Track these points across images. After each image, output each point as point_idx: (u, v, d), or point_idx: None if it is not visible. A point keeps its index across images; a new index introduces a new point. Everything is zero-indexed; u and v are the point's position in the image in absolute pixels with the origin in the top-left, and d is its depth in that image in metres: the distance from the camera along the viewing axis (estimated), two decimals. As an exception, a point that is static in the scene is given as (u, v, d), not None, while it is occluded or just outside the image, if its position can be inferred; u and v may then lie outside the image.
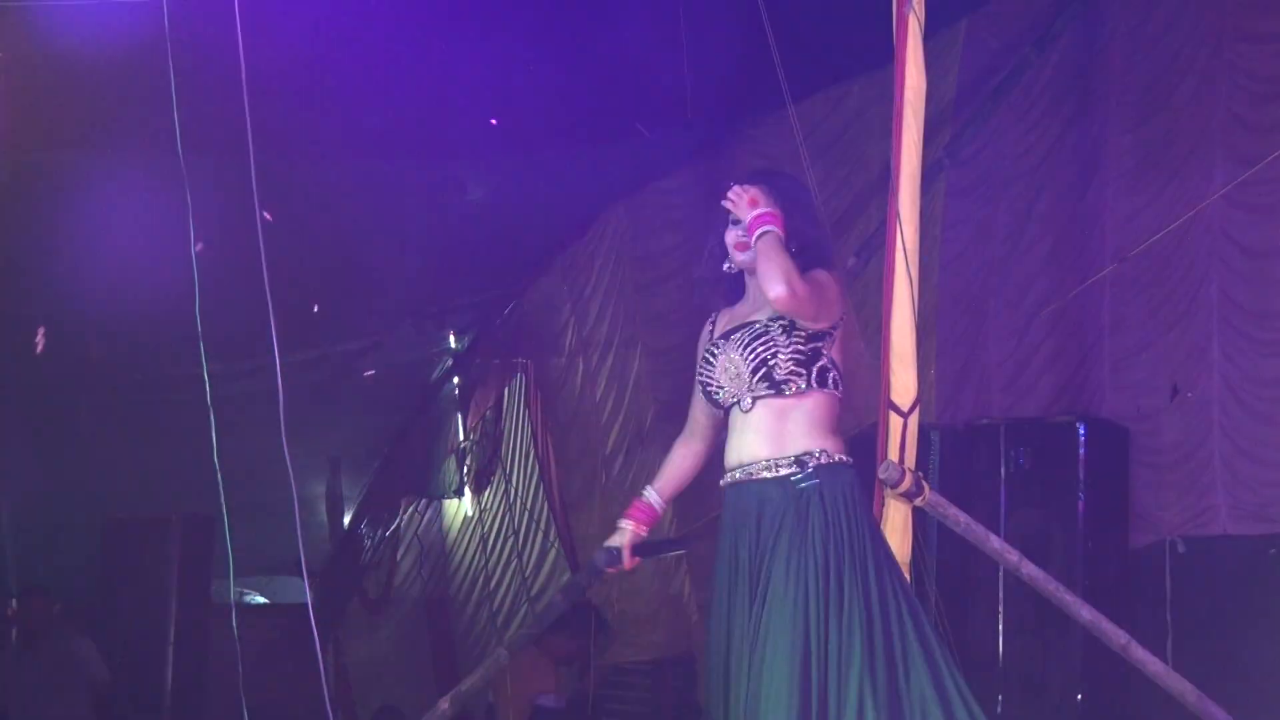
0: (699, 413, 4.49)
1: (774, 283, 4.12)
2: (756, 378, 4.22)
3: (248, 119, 5.20)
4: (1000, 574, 6.62)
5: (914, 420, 5.82)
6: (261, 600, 11.76)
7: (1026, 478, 6.87)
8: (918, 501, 5.82)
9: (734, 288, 4.47)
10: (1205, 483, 6.75)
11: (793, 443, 4.21)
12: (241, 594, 11.21)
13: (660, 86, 6.75)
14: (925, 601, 6.69)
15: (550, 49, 6.66)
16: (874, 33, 5.99)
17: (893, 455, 5.77)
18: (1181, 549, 6.83)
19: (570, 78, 6.74)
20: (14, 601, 9.04)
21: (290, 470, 5.59)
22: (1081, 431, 6.81)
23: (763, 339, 4.30)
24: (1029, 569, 6.22)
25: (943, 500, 6.03)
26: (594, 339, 9.27)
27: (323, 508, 11.30)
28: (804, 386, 4.22)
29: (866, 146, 7.31)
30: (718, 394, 4.31)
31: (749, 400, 4.23)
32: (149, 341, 7.66)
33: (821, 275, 4.33)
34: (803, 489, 4.17)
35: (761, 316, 4.31)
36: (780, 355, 4.28)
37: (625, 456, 9.33)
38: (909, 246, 5.80)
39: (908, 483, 5.75)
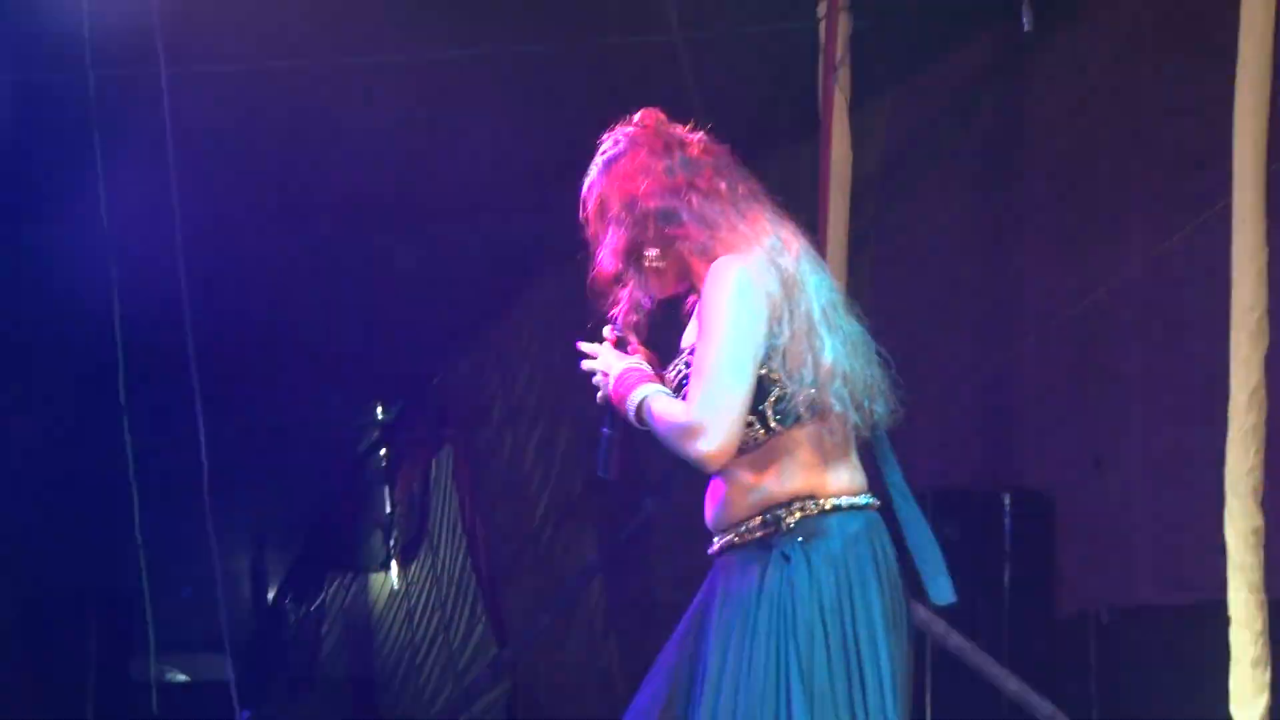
0: None
1: (686, 456, 3.12)
2: None
3: (173, 185, 5.20)
4: (928, 644, 6.62)
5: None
6: (183, 678, 11.61)
7: (953, 548, 6.85)
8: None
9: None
10: (1128, 552, 6.80)
11: (758, 500, 3.25)
12: (162, 672, 11.06)
13: (590, 154, 6.78)
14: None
15: (482, 117, 6.69)
16: (801, 105, 6.08)
17: (820, 524, 5.80)
18: (1106, 619, 6.86)
19: (499, 146, 6.77)
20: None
21: (213, 544, 5.55)
22: (1007, 502, 6.85)
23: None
24: (956, 639, 6.25)
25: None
26: (523, 410, 9.26)
27: (247, 583, 11.19)
28: (761, 437, 3.21)
29: (793, 217, 7.36)
30: None
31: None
32: (69, 411, 7.58)
33: (707, 308, 3.14)
34: (777, 551, 3.24)
35: (689, 338, 3.29)
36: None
37: (554, 529, 9.29)
38: (835, 317, 5.85)
39: (835, 552, 5.78)
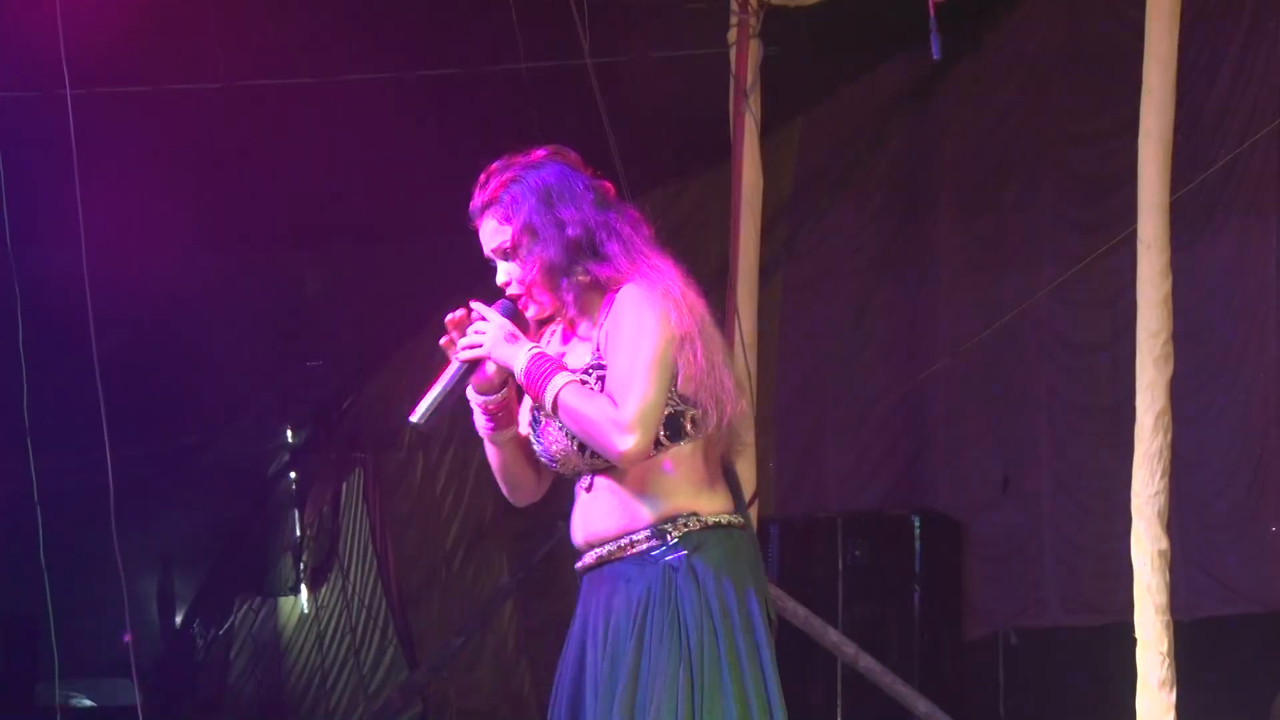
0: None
1: (609, 447, 3.24)
2: (591, 456, 3.35)
3: (79, 207, 5.13)
4: (839, 666, 6.64)
5: (753, 513, 5.87)
6: (88, 703, 11.43)
7: (864, 571, 6.92)
8: (755, 595, 5.85)
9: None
10: (1036, 574, 6.86)
11: (643, 514, 3.34)
12: (67, 697, 10.89)
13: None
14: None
15: (394, 140, 6.65)
16: (713, 130, 6.08)
17: (732, 548, 5.80)
18: (1014, 640, 6.92)
19: (414, 169, 6.74)
20: None
21: (120, 567, 5.46)
22: (916, 524, 6.89)
23: None
24: (866, 661, 6.28)
25: (782, 593, 6.07)
26: (434, 433, 9.20)
27: (154, 606, 11.05)
28: (654, 451, 3.30)
29: (705, 241, 7.38)
30: (555, 467, 3.45)
31: (589, 478, 3.40)
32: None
33: (621, 320, 3.30)
34: (665, 564, 3.32)
35: (580, 360, 3.38)
36: None
37: (466, 551, 9.25)
38: (747, 340, 5.87)
39: (746, 575, 5.79)
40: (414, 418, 3.36)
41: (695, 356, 3.30)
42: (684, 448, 3.33)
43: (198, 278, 7.63)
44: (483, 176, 3.46)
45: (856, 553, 6.95)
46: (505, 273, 3.38)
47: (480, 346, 3.35)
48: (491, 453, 3.49)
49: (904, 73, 7.34)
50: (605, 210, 3.41)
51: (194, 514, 10.49)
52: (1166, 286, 4.66)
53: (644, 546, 3.33)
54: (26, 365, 5.50)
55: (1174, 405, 4.66)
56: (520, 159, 3.46)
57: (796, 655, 6.74)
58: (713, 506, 3.37)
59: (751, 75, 5.85)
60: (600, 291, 3.36)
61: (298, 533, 10.71)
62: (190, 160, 6.55)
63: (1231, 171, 6.09)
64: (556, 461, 3.40)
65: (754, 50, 5.86)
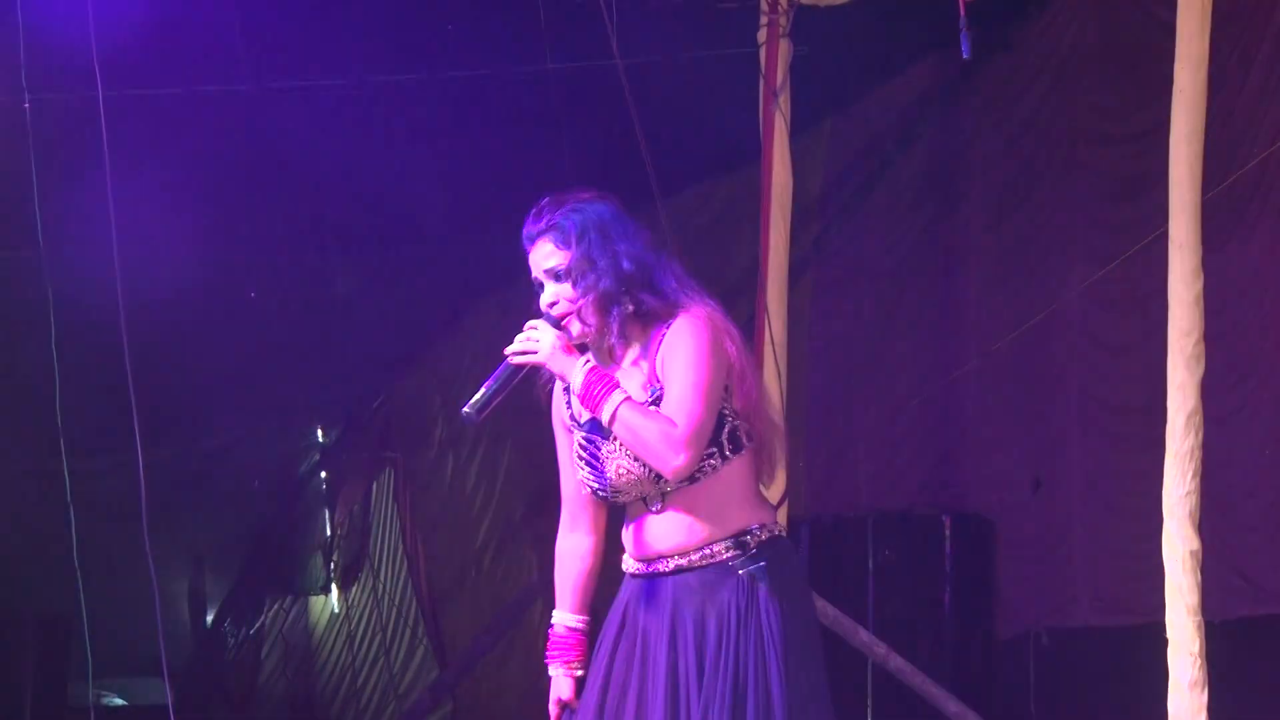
0: (582, 506, 3.75)
1: (664, 462, 3.46)
2: (658, 478, 3.53)
3: (111, 208, 5.16)
4: (869, 666, 6.64)
5: (783, 513, 5.87)
6: (120, 702, 11.49)
7: (894, 571, 6.91)
8: (786, 595, 5.86)
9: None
10: (1067, 575, 6.84)
11: (721, 525, 3.58)
12: (100, 696, 10.94)
13: (533, 181, 6.77)
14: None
15: (422, 142, 6.67)
16: (743, 131, 6.09)
17: (762, 549, 5.81)
18: (1045, 641, 6.90)
19: (442, 173, 6.75)
20: None
21: (152, 568, 5.50)
22: (947, 524, 6.88)
23: None
24: (897, 661, 6.27)
25: (812, 593, 6.07)
26: (465, 432, 9.23)
27: (185, 606, 11.09)
28: (718, 465, 3.56)
29: (735, 241, 7.39)
30: (615, 498, 3.63)
31: (658, 502, 3.59)
32: (5, 436, 7.51)
33: (679, 346, 3.53)
34: (745, 573, 3.57)
35: (631, 383, 3.56)
36: None
37: (496, 551, 9.27)
38: (777, 340, 5.88)
39: (776, 576, 5.79)
40: (467, 408, 3.51)
41: (745, 379, 3.59)
42: (742, 461, 3.59)
43: (230, 278, 7.67)
44: (536, 209, 3.65)
45: (887, 553, 6.94)
46: (555, 294, 3.57)
47: (535, 353, 3.54)
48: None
49: (934, 72, 7.33)
50: (658, 250, 3.66)
51: (225, 514, 10.54)
52: (1198, 286, 4.65)
53: (725, 556, 3.57)
54: (59, 367, 5.54)
55: (1205, 405, 4.64)
56: (572, 196, 3.68)
57: (827, 655, 6.73)
58: (772, 517, 3.66)
59: (781, 75, 5.86)
60: (645, 323, 3.60)
61: (328, 532, 10.75)
62: (221, 161, 6.58)
63: (1264, 171, 6.07)
64: (620, 491, 3.60)
65: (784, 50, 5.87)
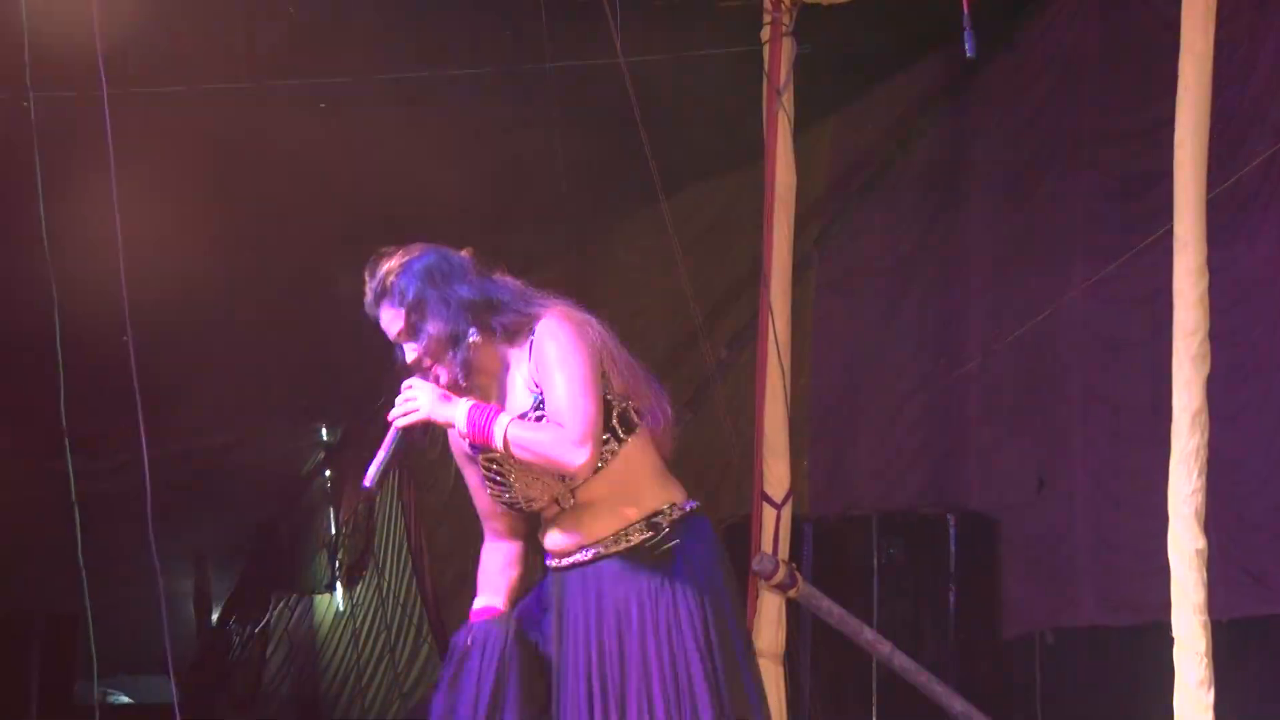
0: (499, 519, 3.92)
1: (566, 464, 3.57)
2: (570, 479, 3.69)
3: (115, 208, 5.15)
4: (874, 665, 6.63)
5: (787, 512, 5.86)
6: (126, 700, 11.50)
7: (898, 569, 6.91)
8: (791, 593, 5.85)
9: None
10: (1072, 573, 6.83)
11: (632, 508, 3.73)
12: (105, 694, 10.95)
13: (536, 181, 6.78)
14: (800, 694, 6.71)
15: (420, 140, 6.67)
16: (745, 129, 6.08)
17: (766, 547, 5.80)
18: (1051, 640, 6.89)
19: (446, 169, 6.74)
20: None
21: (156, 566, 5.50)
22: (951, 523, 6.87)
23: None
24: (901, 660, 6.26)
25: (816, 592, 6.06)
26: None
27: (190, 605, 11.10)
28: (616, 449, 3.69)
29: (738, 240, 7.38)
30: (530, 506, 3.79)
31: (570, 498, 3.73)
32: (9, 433, 7.51)
33: (546, 354, 3.65)
34: (661, 551, 3.71)
35: (522, 400, 3.70)
36: None
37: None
38: (781, 339, 5.86)
39: (781, 574, 5.78)
40: (367, 483, 3.73)
41: (616, 361, 3.72)
42: (639, 441, 3.71)
43: (234, 276, 7.66)
44: (367, 273, 3.84)
45: (891, 551, 6.94)
46: (411, 351, 3.73)
47: (417, 411, 3.68)
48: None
49: (937, 70, 7.32)
50: (487, 272, 3.77)
51: (229, 513, 10.54)
52: (1203, 284, 4.63)
53: (639, 539, 3.71)
54: (63, 365, 5.54)
55: (1210, 404, 4.63)
56: (390, 255, 3.83)
57: (832, 654, 6.74)
58: (682, 495, 3.78)
59: (784, 74, 5.84)
60: (510, 339, 3.73)
61: (333, 530, 10.75)
62: (224, 159, 6.57)
63: (1270, 168, 6.05)
64: (533, 499, 3.74)
65: (787, 48, 5.85)
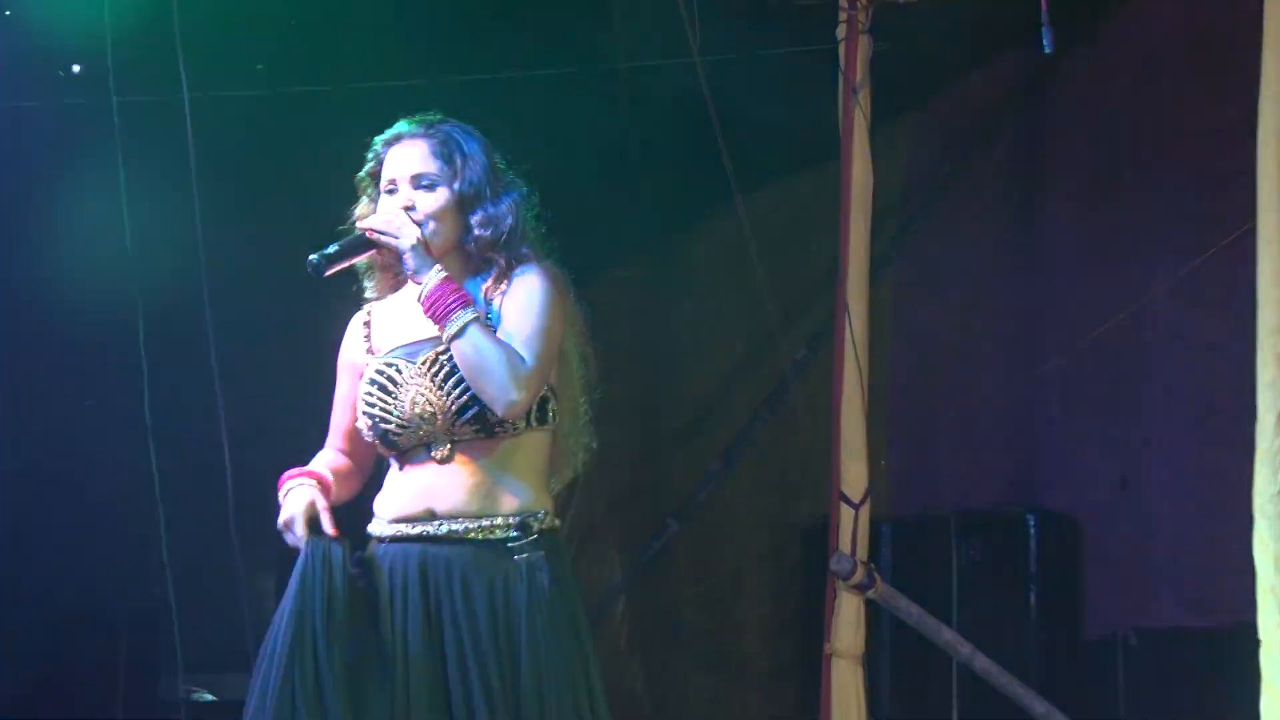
0: (349, 443, 3.55)
1: (502, 392, 3.24)
2: (463, 419, 3.30)
3: (198, 214, 5.23)
4: (953, 667, 6.59)
5: (865, 512, 5.85)
6: (210, 698, 11.60)
7: (978, 570, 6.86)
8: (870, 593, 5.83)
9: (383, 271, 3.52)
10: (1155, 574, 6.77)
11: (509, 498, 3.34)
12: (190, 691, 11.04)
13: (606, 181, 6.78)
14: (879, 694, 6.68)
15: (498, 145, 6.69)
16: (820, 128, 6.06)
17: (844, 547, 5.79)
18: (1133, 641, 6.82)
19: (517, 173, 6.76)
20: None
21: (239, 563, 5.57)
22: (1032, 523, 6.82)
23: None
24: (982, 662, 6.22)
25: (894, 592, 6.04)
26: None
27: (273, 602, 11.19)
28: (522, 426, 3.34)
29: (814, 240, 7.36)
30: (397, 435, 3.35)
31: (445, 447, 3.34)
32: (96, 433, 7.61)
33: (533, 290, 3.39)
34: (523, 559, 3.31)
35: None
36: None
37: (577, 550, 9.26)
38: (858, 338, 5.85)
39: (860, 575, 5.77)
40: (314, 256, 3.40)
41: (560, 356, 3.45)
42: (543, 437, 3.41)
43: (318, 280, 7.72)
44: (420, 118, 3.51)
45: (971, 552, 6.89)
46: (413, 200, 3.40)
47: (396, 239, 3.35)
48: None
49: (1015, 67, 7.27)
50: (524, 209, 3.50)
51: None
52: (1286, 283, 4.58)
53: (502, 535, 3.31)
54: (147, 365, 5.62)
55: (1293, 403, 4.57)
56: (459, 124, 3.55)
57: (910, 655, 6.70)
58: (551, 506, 3.44)
59: (861, 72, 5.82)
60: (490, 266, 3.43)
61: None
62: (302, 160, 6.63)
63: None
64: (408, 426, 3.32)
65: (863, 46, 5.83)
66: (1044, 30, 4.67)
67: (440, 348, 3.34)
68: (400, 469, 3.41)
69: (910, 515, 7.18)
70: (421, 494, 3.34)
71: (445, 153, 3.44)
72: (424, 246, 3.36)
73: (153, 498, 5.83)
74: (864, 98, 5.82)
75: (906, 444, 7.59)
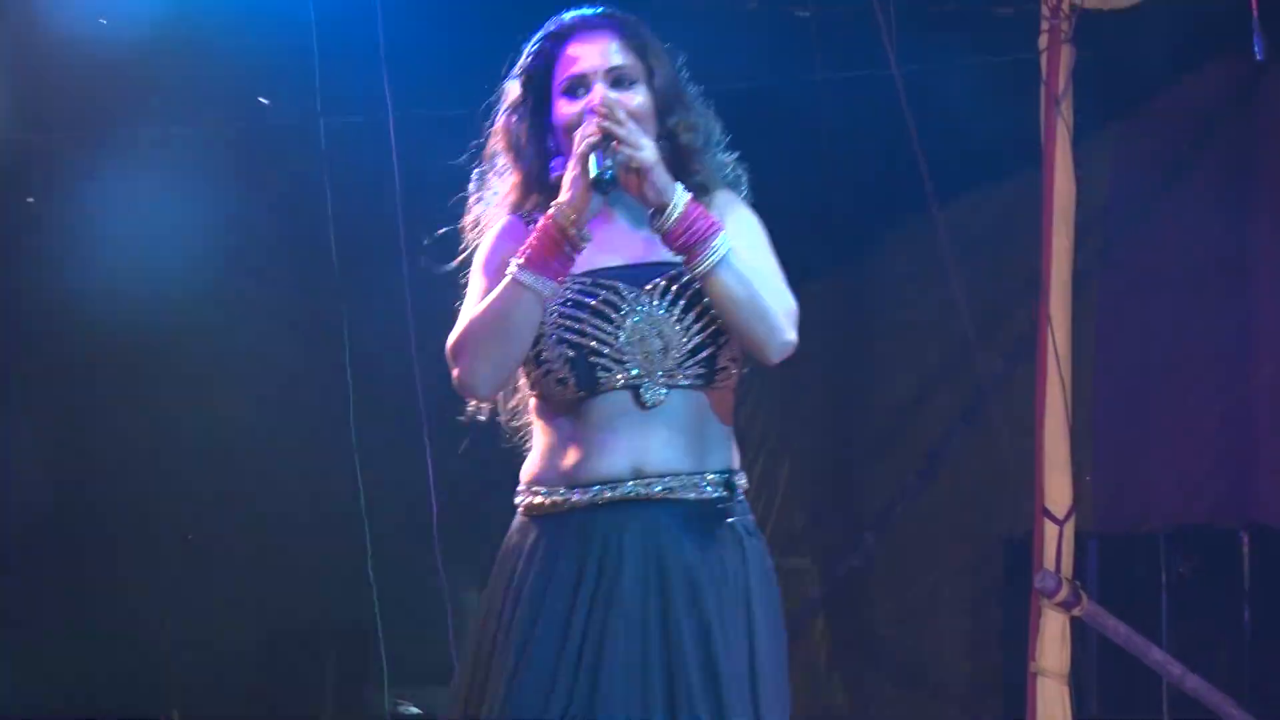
0: (548, 394, 2.90)
1: (772, 334, 2.78)
2: (694, 359, 2.84)
3: (401, 233, 5.33)
4: (1164, 687, 6.46)
5: (1070, 528, 5.76)
6: (415, 711, 11.79)
7: (1189, 587, 6.73)
8: (1075, 611, 5.74)
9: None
10: (1376, 593, 6.57)
11: (715, 455, 2.88)
12: (396, 704, 11.24)
13: (803, 192, 6.76)
14: (1086, 715, 6.57)
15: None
16: (1020, 138, 6.00)
17: (1048, 564, 5.70)
18: (1353, 661, 6.64)
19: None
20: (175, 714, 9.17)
21: (443, 578, 5.67)
22: (1245, 539, 6.66)
23: (706, 298, 2.84)
24: (1193, 682, 6.08)
25: (1101, 610, 5.93)
26: (744, 443, 9.26)
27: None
28: (735, 374, 2.93)
29: (1014, 251, 7.27)
30: (605, 372, 2.82)
31: (659, 389, 2.82)
32: (306, 453, 7.80)
33: (753, 221, 2.97)
34: (736, 521, 2.88)
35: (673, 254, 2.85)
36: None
37: (775, 562, 9.26)
38: (1061, 351, 5.76)
39: (1065, 592, 5.68)
40: (607, 172, 2.77)
41: None
42: (732, 393, 2.95)
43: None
44: (591, 9, 3.00)
45: (1180, 569, 6.76)
46: (611, 100, 2.83)
47: (640, 151, 2.78)
48: (527, 309, 2.80)
49: (1225, 75, 7.10)
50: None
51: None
52: None
53: (712, 494, 2.85)
54: (353, 386, 5.75)
55: None
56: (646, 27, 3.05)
57: (1118, 674, 6.58)
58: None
59: (1063, 81, 5.74)
60: (697, 173, 2.95)
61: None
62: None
63: None
64: (624, 360, 2.81)
65: (1066, 55, 5.75)
66: (1254, 36, 4.56)
67: (673, 274, 2.86)
68: (588, 421, 2.85)
69: (1118, 531, 7.06)
70: (630, 449, 2.82)
71: (639, 45, 2.92)
72: (664, 162, 2.83)
73: (359, 513, 5.97)
74: (1066, 108, 5.74)
75: (1114, 458, 7.45)
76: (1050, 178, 5.78)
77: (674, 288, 2.87)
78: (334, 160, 5.66)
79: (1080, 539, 6.04)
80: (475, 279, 2.99)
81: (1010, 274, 7.34)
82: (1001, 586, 7.10)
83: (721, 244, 2.77)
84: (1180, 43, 6.72)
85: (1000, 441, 6.36)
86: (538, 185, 2.98)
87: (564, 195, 2.79)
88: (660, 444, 2.82)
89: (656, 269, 2.88)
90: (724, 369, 2.88)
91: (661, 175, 2.79)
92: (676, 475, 2.83)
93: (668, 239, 2.81)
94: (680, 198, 2.78)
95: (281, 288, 6.68)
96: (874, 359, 7.96)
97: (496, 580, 3.02)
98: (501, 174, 3.05)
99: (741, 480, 2.93)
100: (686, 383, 2.84)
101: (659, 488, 2.82)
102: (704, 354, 2.84)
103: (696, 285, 2.82)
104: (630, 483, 2.81)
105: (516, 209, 3.01)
